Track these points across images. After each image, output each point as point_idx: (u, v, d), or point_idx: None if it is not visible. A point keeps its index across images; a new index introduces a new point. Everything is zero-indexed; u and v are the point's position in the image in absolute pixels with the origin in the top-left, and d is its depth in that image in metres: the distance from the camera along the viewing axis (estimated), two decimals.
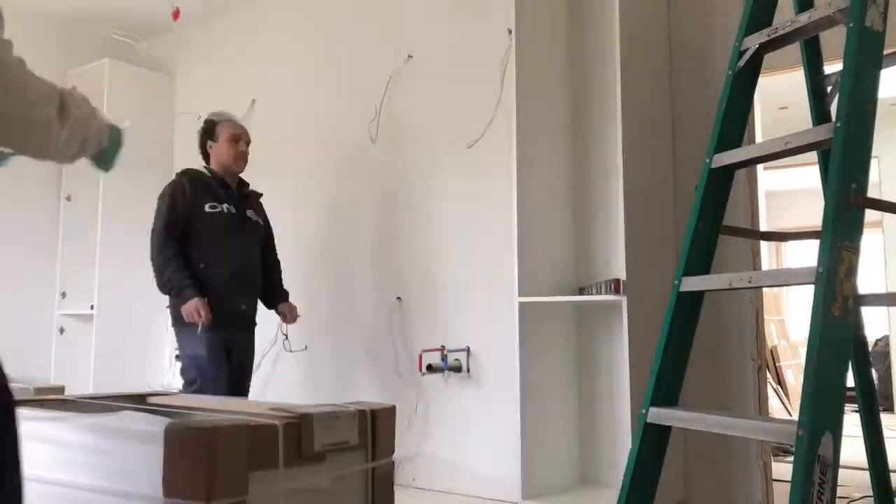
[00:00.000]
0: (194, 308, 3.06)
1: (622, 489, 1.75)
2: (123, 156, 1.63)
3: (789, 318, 7.37)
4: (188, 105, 4.84)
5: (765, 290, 5.03)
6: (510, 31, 3.07)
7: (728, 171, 1.87)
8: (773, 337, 5.57)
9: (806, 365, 1.40)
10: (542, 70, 3.10)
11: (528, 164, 2.97)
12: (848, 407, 2.03)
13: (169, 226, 3.17)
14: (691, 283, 1.79)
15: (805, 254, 7.88)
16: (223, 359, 3.19)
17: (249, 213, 3.40)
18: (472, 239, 3.47)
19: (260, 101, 4.45)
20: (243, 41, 4.62)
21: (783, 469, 3.86)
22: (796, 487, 1.32)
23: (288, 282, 4.21)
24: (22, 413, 1.69)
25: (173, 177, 3.41)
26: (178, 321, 3.18)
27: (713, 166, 1.84)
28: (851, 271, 1.45)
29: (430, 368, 3.42)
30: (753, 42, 1.87)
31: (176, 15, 4.25)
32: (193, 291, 3.09)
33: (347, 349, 3.88)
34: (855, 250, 1.46)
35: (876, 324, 6.95)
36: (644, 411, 1.76)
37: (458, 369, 3.40)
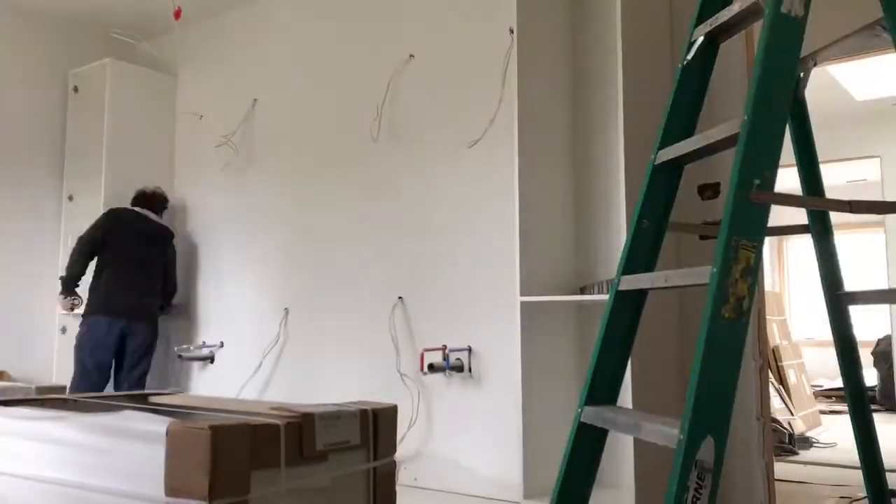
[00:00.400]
0: None
1: (553, 492, 1.70)
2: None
3: (791, 318, 7.36)
4: (189, 105, 4.85)
5: (766, 289, 5.02)
6: (512, 31, 3.07)
7: (673, 168, 1.81)
8: (775, 337, 5.56)
9: (692, 367, 1.36)
10: (544, 70, 3.10)
11: (530, 164, 2.97)
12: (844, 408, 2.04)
13: None
14: (627, 282, 1.76)
15: (807, 253, 7.87)
16: None
17: None
18: (473, 238, 3.47)
19: (261, 100, 4.46)
20: (245, 41, 4.62)
21: (786, 469, 3.87)
22: (671, 492, 1.30)
23: (289, 282, 4.22)
24: (23, 413, 1.69)
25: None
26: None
27: (656, 163, 1.79)
28: (748, 271, 1.38)
29: (431, 368, 3.42)
30: (700, 33, 1.81)
31: (177, 15, 4.25)
32: None
33: (349, 348, 3.88)
34: (753, 249, 1.39)
35: (878, 324, 6.94)
36: (579, 410, 1.72)
37: (459, 369, 3.40)
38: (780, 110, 1.46)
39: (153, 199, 4.52)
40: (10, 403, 1.75)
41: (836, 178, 7.25)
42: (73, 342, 4.19)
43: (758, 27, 1.54)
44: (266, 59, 4.48)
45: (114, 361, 4.18)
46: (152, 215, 4.46)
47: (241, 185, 4.50)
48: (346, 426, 1.59)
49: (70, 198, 4.78)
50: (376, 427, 1.67)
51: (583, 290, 3.02)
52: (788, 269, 9.59)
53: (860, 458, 1.99)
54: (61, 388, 3.98)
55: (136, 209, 4.41)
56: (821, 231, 2.04)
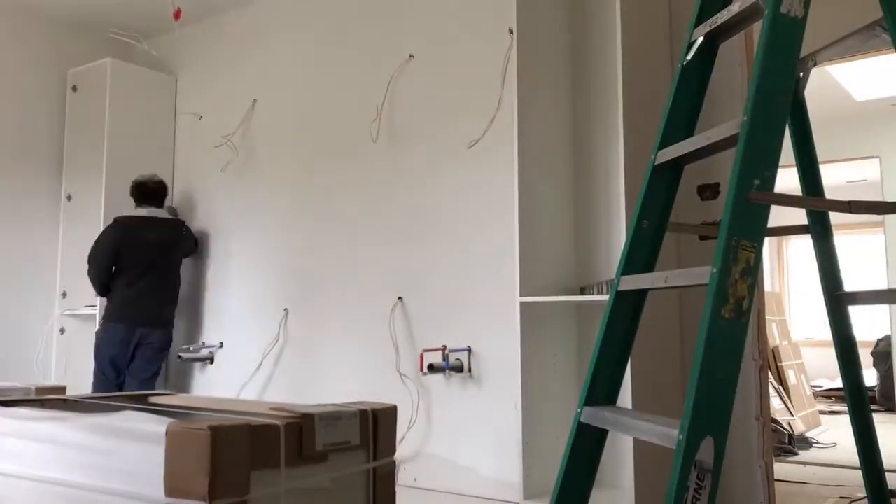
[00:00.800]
0: None
1: (553, 493, 1.70)
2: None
3: (791, 319, 7.37)
4: (189, 105, 4.85)
5: (766, 289, 5.02)
6: (511, 31, 3.07)
7: (673, 168, 1.81)
8: (774, 337, 5.56)
9: (692, 368, 1.36)
10: (544, 70, 3.10)
11: (530, 165, 2.97)
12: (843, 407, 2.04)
13: None
14: (627, 282, 1.76)
15: (807, 253, 7.89)
16: None
17: None
18: (473, 239, 3.47)
19: (261, 100, 4.46)
20: (244, 41, 4.62)
21: (785, 469, 3.87)
22: (671, 492, 1.30)
23: (289, 282, 4.22)
24: (23, 413, 1.69)
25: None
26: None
27: (656, 163, 1.79)
28: (748, 271, 1.38)
29: (431, 368, 3.42)
30: (699, 33, 1.81)
31: (177, 15, 4.25)
32: None
33: (349, 349, 3.88)
34: (753, 249, 1.39)
35: (878, 324, 6.95)
36: (579, 410, 1.72)
37: (459, 369, 3.40)
38: (780, 111, 1.47)
39: (158, 193, 4.45)
40: (10, 404, 1.75)
41: (836, 179, 7.26)
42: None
43: (757, 27, 1.55)
44: (266, 59, 4.48)
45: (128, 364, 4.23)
46: (160, 213, 4.42)
47: (240, 185, 4.50)
48: (346, 426, 1.59)
49: (69, 198, 4.78)
50: (376, 427, 1.67)
51: (583, 291, 3.02)
52: (788, 270, 9.60)
53: (860, 458, 1.99)
54: (61, 389, 3.98)
55: (143, 213, 4.34)
56: (820, 231, 2.04)
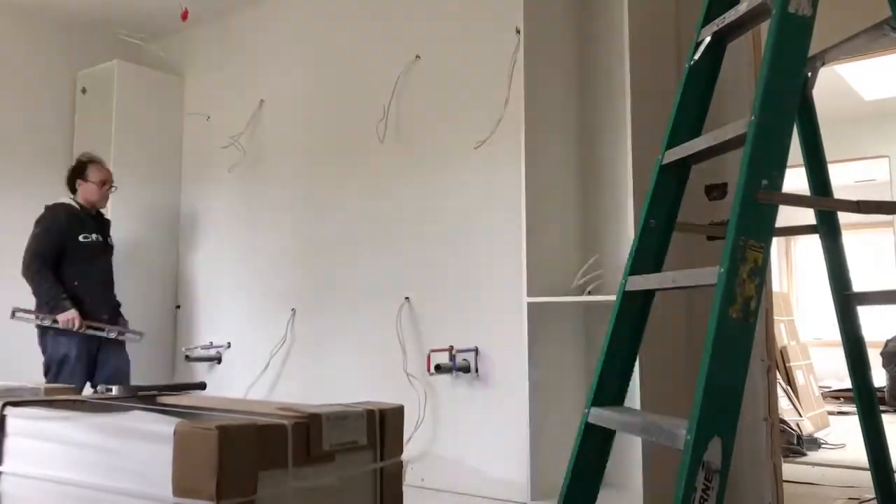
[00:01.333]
0: (72, 317, 3.69)
1: (560, 493, 1.70)
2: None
3: (799, 319, 7.33)
4: (196, 106, 4.86)
5: (774, 289, 5.01)
6: (518, 31, 3.07)
7: (680, 168, 1.80)
8: (783, 337, 5.54)
9: (700, 368, 1.35)
10: (550, 70, 3.10)
11: (536, 165, 2.96)
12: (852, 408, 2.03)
13: (44, 249, 3.79)
14: (634, 283, 1.76)
15: (815, 252, 7.84)
16: (89, 360, 3.82)
17: (109, 238, 4.04)
18: (480, 239, 3.47)
19: (268, 101, 4.46)
20: (252, 41, 4.63)
21: (794, 470, 3.85)
22: (678, 492, 1.29)
23: (296, 282, 4.22)
24: (32, 413, 1.70)
25: (44, 210, 3.93)
26: (46, 328, 3.82)
27: (664, 162, 1.79)
28: (756, 271, 1.37)
29: (438, 368, 3.42)
30: (707, 33, 1.81)
31: (184, 16, 4.27)
32: (70, 304, 3.70)
33: (356, 349, 3.88)
34: (761, 249, 1.38)
35: (887, 324, 6.90)
36: (586, 411, 1.72)
37: (466, 369, 3.39)
38: (788, 110, 1.46)
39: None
40: (20, 404, 1.76)
41: (845, 178, 7.23)
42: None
43: (765, 27, 1.54)
44: (273, 60, 4.49)
45: None
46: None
47: (248, 185, 4.51)
48: (353, 426, 1.59)
49: None
50: (383, 427, 1.67)
51: (590, 291, 3.01)
52: (796, 270, 9.56)
53: (869, 459, 1.98)
54: (70, 389, 4.00)
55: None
56: (829, 231, 2.03)
